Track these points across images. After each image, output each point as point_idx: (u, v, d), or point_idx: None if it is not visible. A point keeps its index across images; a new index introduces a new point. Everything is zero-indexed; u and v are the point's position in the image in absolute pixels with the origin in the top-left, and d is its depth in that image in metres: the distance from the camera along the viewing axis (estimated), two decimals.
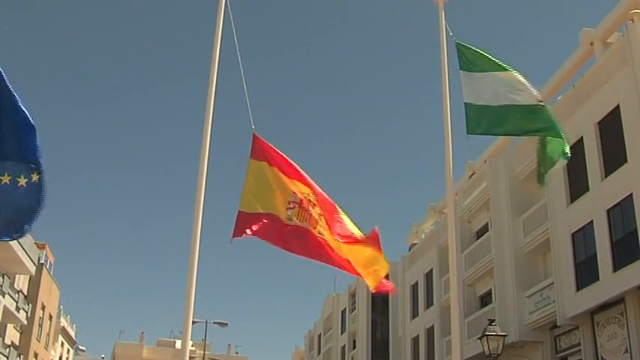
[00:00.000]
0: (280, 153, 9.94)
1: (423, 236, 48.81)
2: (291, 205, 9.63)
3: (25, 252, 40.99)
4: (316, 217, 9.58)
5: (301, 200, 9.65)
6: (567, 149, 10.54)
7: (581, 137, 27.12)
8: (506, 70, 10.86)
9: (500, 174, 34.41)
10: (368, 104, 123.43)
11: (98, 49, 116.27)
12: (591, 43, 29.35)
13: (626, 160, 24.54)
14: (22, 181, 7.69)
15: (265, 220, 9.57)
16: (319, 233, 9.54)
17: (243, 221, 9.51)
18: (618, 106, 25.21)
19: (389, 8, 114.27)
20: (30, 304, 47.12)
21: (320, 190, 9.87)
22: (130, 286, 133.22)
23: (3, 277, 38.95)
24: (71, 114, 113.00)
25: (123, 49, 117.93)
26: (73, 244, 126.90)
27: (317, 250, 9.57)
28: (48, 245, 53.81)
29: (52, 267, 56.17)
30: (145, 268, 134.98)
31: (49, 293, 54.56)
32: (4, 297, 39.70)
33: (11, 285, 41.60)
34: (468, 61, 10.98)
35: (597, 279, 25.42)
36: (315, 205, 9.71)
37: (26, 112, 7.80)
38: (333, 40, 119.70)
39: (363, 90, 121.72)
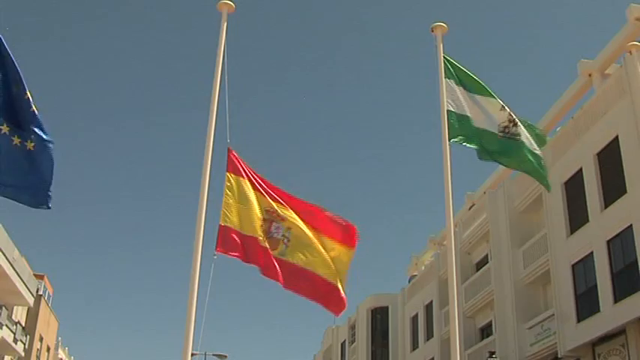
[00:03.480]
0: (251, 169, 10.17)
1: (423, 268, 48.70)
2: (262, 224, 9.87)
3: (24, 283, 40.79)
4: (279, 237, 9.82)
5: (270, 219, 9.91)
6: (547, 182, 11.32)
7: (581, 168, 27.19)
8: (487, 94, 11.16)
9: (500, 205, 34.43)
10: (366, 135, 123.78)
11: (97, 71, 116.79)
12: (589, 75, 29.53)
13: (625, 191, 24.57)
14: (30, 145, 8.17)
15: (244, 241, 9.77)
16: (280, 254, 9.81)
17: (225, 236, 9.69)
18: (617, 137, 25.29)
19: (385, 38, 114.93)
20: (28, 336, 46.73)
21: (298, 199, 10.21)
22: (128, 318, 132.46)
23: (1, 309, 38.67)
24: (70, 142, 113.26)
25: (119, 74, 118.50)
26: (72, 275, 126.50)
27: (273, 272, 9.80)
28: (47, 276, 53.57)
29: (51, 298, 55.90)
30: (144, 299, 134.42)
31: (48, 325, 54.20)
32: (1, 328, 39.39)
33: (9, 316, 41.31)
34: (453, 73, 11.19)
35: (598, 310, 25.31)
36: (284, 219, 9.97)
37: (24, 83, 8.20)
38: (331, 70, 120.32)
39: (362, 121, 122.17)
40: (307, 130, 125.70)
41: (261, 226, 9.83)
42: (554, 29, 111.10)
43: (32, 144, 8.12)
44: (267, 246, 9.77)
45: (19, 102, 8.11)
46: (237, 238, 9.71)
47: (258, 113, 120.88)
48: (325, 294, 9.97)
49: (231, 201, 9.85)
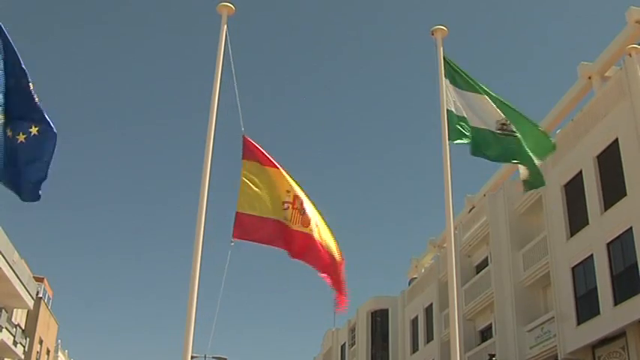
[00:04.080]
0: (269, 154, 10.10)
1: (423, 270, 48.69)
2: (285, 206, 9.77)
3: (24, 285, 40.77)
4: (310, 214, 9.70)
5: (294, 200, 9.78)
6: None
7: (580, 171, 27.18)
8: (484, 93, 11.25)
9: (500, 208, 34.42)
10: (366, 137, 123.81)
11: (98, 73, 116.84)
12: (589, 77, 29.52)
13: (625, 194, 24.56)
14: (22, 137, 8.03)
15: (264, 224, 9.71)
16: (310, 231, 9.61)
17: (242, 222, 9.65)
18: (617, 139, 25.29)
19: (385, 42, 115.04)
20: (27, 339, 46.66)
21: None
22: (128, 320, 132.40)
23: (0, 311, 38.66)
24: (70, 144, 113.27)
25: (118, 76, 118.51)
26: (72, 278, 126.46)
27: (307, 251, 9.63)
28: (46, 279, 53.54)
29: (51, 301, 55.86)
30: (144, 301, 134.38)
31: (47, 327, 54.15)
32: (1, 331, 39.33)
33: (9, 319, 41.25)
34: (453, 75, 11.27)
35: (598, 313, 25.31)
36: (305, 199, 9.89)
37: (26, 71, 8.05)
38: (331, 71, 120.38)
39: (362, 122, 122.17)
40: (307, 130, 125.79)
41: (285, 207, 9.69)
42: (554, 32, 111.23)
43: (24, 136, 7.97)
44: (296, 226, 9.60)
45: (19, 93, 7.98)
46: (255, 223, 9.64)
47: (256, 114, 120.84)
48: (338, 281, 9.75)
49: (247, 187, 9.81)
